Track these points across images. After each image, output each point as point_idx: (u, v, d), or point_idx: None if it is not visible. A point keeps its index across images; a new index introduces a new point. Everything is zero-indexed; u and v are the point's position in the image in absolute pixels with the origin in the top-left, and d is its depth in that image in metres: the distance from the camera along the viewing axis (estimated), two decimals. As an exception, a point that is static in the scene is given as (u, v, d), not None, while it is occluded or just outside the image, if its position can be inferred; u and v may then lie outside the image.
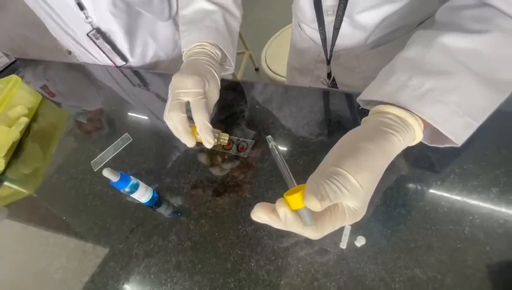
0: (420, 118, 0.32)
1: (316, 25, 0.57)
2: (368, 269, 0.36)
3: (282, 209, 0.29)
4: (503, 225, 0.36)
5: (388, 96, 0.33)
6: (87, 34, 0.75)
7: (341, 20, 0.53)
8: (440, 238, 0.36)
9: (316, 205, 0.27)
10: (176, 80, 0.46)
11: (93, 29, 0.75)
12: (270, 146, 0.32)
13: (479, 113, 0.32)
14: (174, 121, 0.45)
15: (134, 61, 0.84)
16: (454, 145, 0.33)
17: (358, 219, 0.30)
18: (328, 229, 0.30)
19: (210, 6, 0.54)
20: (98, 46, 0.78)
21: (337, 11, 0.52)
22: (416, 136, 0.33)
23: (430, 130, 0.34)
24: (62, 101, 0.83)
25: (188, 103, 0.46)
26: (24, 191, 0.65)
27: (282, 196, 0.29)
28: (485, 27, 0.32)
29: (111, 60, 0.82)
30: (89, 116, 0.74)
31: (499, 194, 0.38)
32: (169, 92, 0.47)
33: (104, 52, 0.80)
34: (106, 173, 0.43)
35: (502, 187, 0.38)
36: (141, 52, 0.84)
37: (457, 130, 0.31)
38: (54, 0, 0.72)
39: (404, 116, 0.32)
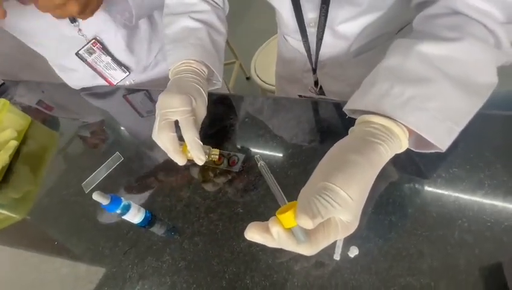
0: (404, 125, 0.33)
1: (299, 36, 0.58)
2: (363, 280, 0.36)
3: (275, 228, 0.29)
4: (490, 227, 0.36)
5: (371, 106, 0.34)
6: (77, 53, 0.73)
7: (323, 32, 0.54)
8: (431, 244, 0.37)
9: (308, 223, 0.27)
10: (162, 99, 0.47)
11: (89, 42, 0.72)
12: (259, 165, 0.32)
13: (459, 117, 0.33)
14: (164, 141, 0.46)
15: (136, 70, 0.81)
16: (439, 150, 0.34)
17: (351, 231, 0.31)
18: (322, 244, 0.30)
19: (194, 24, 0.55)
20: (91, 65, 0.75)
21: (318, 23, 0.53)
22: (402, 144, 0.34)
23: (415, 136, 0.35)
24: (59, 115, 0.81)
25: (176, 122, 0.47)
26: (14, 216, 0.64)
27: (274, 214, 0.30)
28: (458, 35, 0.34)
29: (104, 79, 0.79)
30: (92, 130, 0.73)
31: (484, 197, 0.38)
32: (157, 112, 0.47)
33: (96, 71, 0.76)
34: (96, 196, 0.42)
35: (487, 190, 0.39)
36: (143, 58, 0.80)
37: (440, 136, 0.32)
38: (40, 29, 0.70)
39: (389, 125, 0.33)
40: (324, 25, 0.53)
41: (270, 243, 0.31)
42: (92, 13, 0.56)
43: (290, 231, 0.29)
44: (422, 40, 0.35)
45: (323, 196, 0.28)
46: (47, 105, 0.87)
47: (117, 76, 0.80)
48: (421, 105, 0.32)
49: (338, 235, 0.30)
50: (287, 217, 0.28)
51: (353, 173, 0.30)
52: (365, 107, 0.34)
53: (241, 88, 1.98)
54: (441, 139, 0.32)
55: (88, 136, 0.73)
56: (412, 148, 0.37)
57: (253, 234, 0.30)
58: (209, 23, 0.57)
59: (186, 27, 0.55)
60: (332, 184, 0.29)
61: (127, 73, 0.79)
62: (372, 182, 0.31)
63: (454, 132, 0.33)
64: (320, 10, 0.50)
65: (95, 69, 0.77)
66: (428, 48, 0.34)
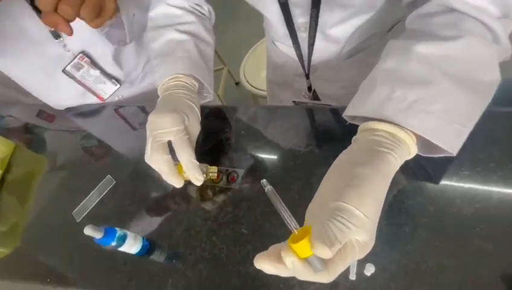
0: (411, 130, 0.31)
1: (290, 42, 0.57)
2: (382, 300, 0.34)
3: (289, 259, 0.26)
4: (510, 232, 0.34)
5: (373, 111, 0.32)
6: (64, 70, 0.69)
7: (314, 36, 0.53)
8: (451, 255, 0.35)
9: (326, 253, 0.25)
10: (153, 119, 0.44)
11: (75, 56, 0.68)
12: (266, 190, 0.30)
13: (466, 118, 0.31)
14: (158, 164, 0.43)
15: (127, 81, 0.78)
16: (449, 154, 0.32)
17: (368, 250, 0.29)
18: (339, 269, 0.28)
19: (180, 36, 0.53)
20: (79, 82, 0.71)
21: (309, 28, 0.51)
22: (410, 150, 0.32)
23: (422, 141, 0.33)
24: (45, 136, 0.77)
25: (169, 142, 0.44)
26: (2, 250, 0.60)
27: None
28: (456, 33, 0.33)
29: (94, 94, 0.75)
30: (80, 152, 0.69)
31: (501, 200, 0.37)
32: (148, 133, 0.45)
33: (85, 87, 0.73)
34: (88, 231, 0.39)
35: (502, 192, 0.37)
36: (131, 70, 0.77)
37: (448, 139, 0.31)
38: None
39: (394, 131, 0.31)
40: (315, 30, 0.51)
41: (284, 274, 0.28)
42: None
43: (305, 260, 0.26)
44: (419, 41, 0.33)
45: (337, 218, 0.26)
46: (34, 125, 0.82)
47: (107, 90, 0.76)
48: (425, 108, 0.30)
49: (355, 257, 0.28)
50: (302, 247, 0.25)
51: (365, 188, 0.28)
52: (366, 113, 0.33)
53: (231, 94, 1.95)
54: (450, 142, 0.31)
55: (77, 158, 0.69)
56: (420, 154, 0.35)
57: (264, 264, 0.28)
58: (195, 34, 0.54)
59: (172, 40, 0.53)
60: (345, 203, 0.27)
61: (118, 85, 0.76)
62: (385, 195, 0.29)
63: (463, 134, 0.31)
64: (311, 15, 0.49)
65: (83, 85, 0.73)
66: (426, 48, 0.33)
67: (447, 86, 0.31)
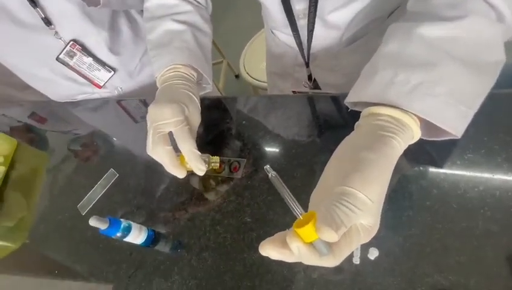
0: (414, 114, 0.30)
1: (289, 30, 0.56)
2: (387, 283, 0.34)
3: (294, 244, 0.26)
4: (516, 213, 0.34)
5: (376, 96, 0.32)
6: (58, 58, 0.69)
7: (314, 23, 0.52)
8: (455, 237, 0.35)
9: (332, 236, 0.25)
10: (152, 111, 0.44)
11: (67, 44, 0.68)
12: (269, 176, 0.30)
13: (471, 100, 0.31)
14: (160, 156, 0.43)
15: (122, 73, 0.77)
16: (453, 137, 0.32)
17: (373, 234, 0.29)
18: (345, 253, 0.28)
19: (178, 26, 0.52)
20: (74, 69, 0.71)
21: (308, 14, 0.50)
22: (414, 134, 0.31)
23: (425, 124, 0.33)
24: (48, 132, 0.78)
25: (170, 133, 0.44)
26: (10, 245, 0.61)
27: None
28: (460, 13, 0.32)
29: (90, 81, 0.75)
30: (83, 146, 0.69)
31: (504, 181, 0.36)
32: (148, 125, 0.44)
33: (80, 74, 0.73)
34: (93, 222, 0.40)
35: (506, 174, 0.37)
36: (128, 60, 0.77)
37: (453, 121, 0.30)
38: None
39: (398, 115, 0.31)
40: (315, 15, 0.51)
41: (289, 259, 0.28)
42: None
43: (311, 245, 0.26)
44: (422, 22, 0.33)
45: (342, 202, 0.26)
46: (36, 122, 0.83)
47: (102, 76, 0.75)
48: (429, 91, 0.30)
49: (361, 241, 0.28)
50: (307, 231, 0.25)
51: (370, 172, 0.27)
52: (369, 98, 0.32)
53: (232, 87, 1.94)
54: (455, 125, 0.30)
55: (79, 153, 0.69)
56: (423, 137, 0.35)
57: (270, 250, 0.28)
58: (193, 24, 0.54)
59: (169, 30, 0.52)
60: (350, 188, 0.27)
61: (112, 72, 0.75)
62: (389, 179, 0.29)
63: (468, 116, 0.31)
64: (310, 4, 0.48)
65: (78, 72, 0.73)
66: (429, 30, 0.32)
67: (451, 67, 0.31)
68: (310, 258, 0.27)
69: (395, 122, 0.30)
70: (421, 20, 0.33)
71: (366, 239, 0.28)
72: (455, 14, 0.32)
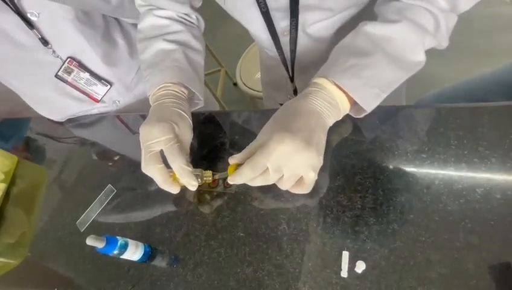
0: (346, 94, 0.40)
1: (274, 48, 0.58)
2: (373, 296, 0.36)
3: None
4: (494, 225, 0.36)
5: (322, 72, 0.42)
6: (56, 75, 0.71)
7: (295, 43, 0.55)
8: (437, 250, 0.36)
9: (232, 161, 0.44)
10: (143, 131, 0.46)
11: (64, 61, 0.70)
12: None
13: (386, 86, 0.40)
14: (153, 174, 0.44)
15: (119, 86, 0.79)
16: (365, 113, 0.41)
17: (270, 148, 0.38)
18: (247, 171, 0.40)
19: (169, 46, 0.53)
20: (72, 84, 0.73)
21: (290, 31, 0.52)
22: (338, 103, 0.40)
23: (356, 107, 0.42)
24: (47, 148, 0.79)
25: (162, 151, 0.45)
26: (11, 261, 0.62)
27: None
28: (398, 17, 0.40)
29: (88, 96, 0.77)
30: (81, 162, 0.71)
31: (484, 194, 0.38)
32: (141, 145, 0.46)
33: (79, 90, 0.75)
34: (90, 241, 0.41)
35: (485, 187, 0.38)
36: (124, 73, 0.79)
37: (367, 99, 0.40)
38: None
39: (323, 83, 0.40)
40: (296, 32, 0.53)
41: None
42: None
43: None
44: (370, 21, 0.42)
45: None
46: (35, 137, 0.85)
47: (99, 90, 0.78)
48: (357, 72, 0.39)
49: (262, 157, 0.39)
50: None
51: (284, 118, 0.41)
52: (318, 74, 0.42)
53: (229, 95, 1.96)
54: (368, 102, 0.40)
55: (78, 169, 0.71)
56: (352, 115, 0.44)
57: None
58: (184, 43, 0.55)
59: (160, 50, 0.54)
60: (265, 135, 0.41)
61: (108, 86, 0.78)
62: (311, 125, 0.39)
63: (380, 97, 0.40)
64: (291, 24, 0.51)
65: (77, 88, 0.75)
66: (373, 28, 0.41)
67: (379, 59, 0.39)
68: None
69: (319, 87, 0.40)
70: (372, 19, 0.43)
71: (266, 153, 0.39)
72: (394, 18, 0.41)
